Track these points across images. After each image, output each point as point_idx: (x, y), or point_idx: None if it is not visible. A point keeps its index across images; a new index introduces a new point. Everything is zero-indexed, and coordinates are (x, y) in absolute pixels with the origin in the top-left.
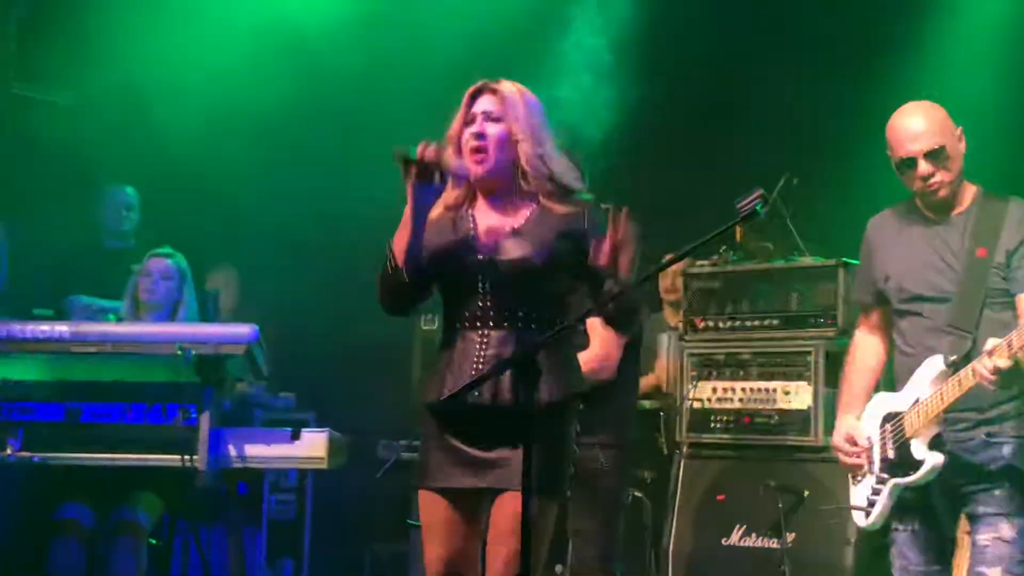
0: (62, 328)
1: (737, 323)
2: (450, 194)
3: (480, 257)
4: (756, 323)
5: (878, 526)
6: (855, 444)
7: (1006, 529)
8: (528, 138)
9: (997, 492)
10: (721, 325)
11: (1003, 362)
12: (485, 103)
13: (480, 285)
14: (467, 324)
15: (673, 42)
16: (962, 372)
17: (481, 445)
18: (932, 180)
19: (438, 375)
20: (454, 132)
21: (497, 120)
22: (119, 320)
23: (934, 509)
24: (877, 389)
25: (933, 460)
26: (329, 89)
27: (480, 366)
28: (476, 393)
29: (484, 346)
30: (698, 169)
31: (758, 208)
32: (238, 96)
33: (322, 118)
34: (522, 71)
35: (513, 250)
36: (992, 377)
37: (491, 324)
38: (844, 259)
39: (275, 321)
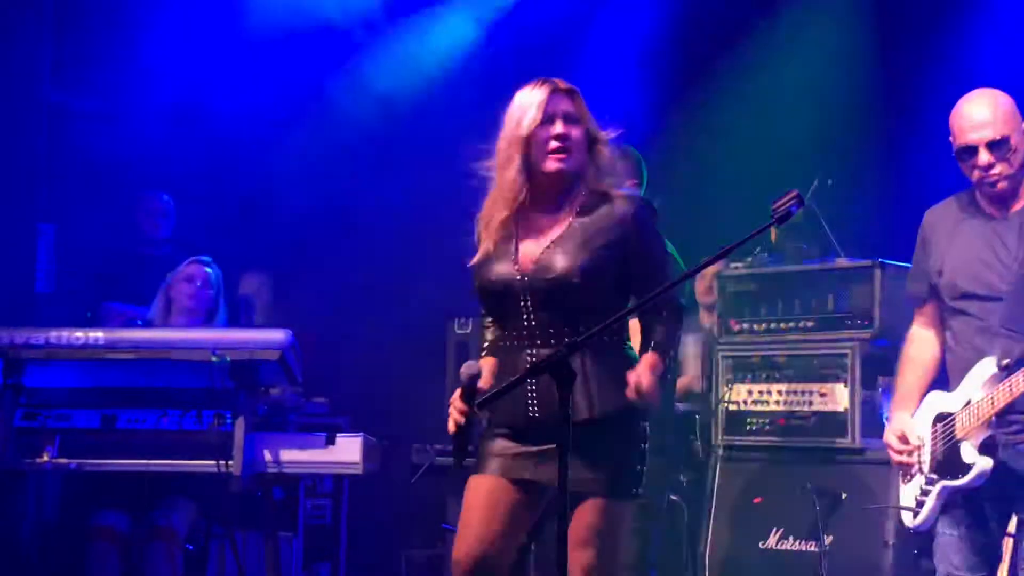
0: (97, 335)
1: (772, 325)
2: (499, 211)
3: (520, 276)
4: (791, 325)
5: (926, 527)
6: (907, 442)
7: None
8: (605, 140)
9: None
10: (756, 327)
11: None
12: (563, 104)
13: (523, 304)
14: (516, 343)
15: (705, 41)
16: (1014, 377)
17: (537, 448)
18: (992, 171)
19: (493, 382)
20: (527, 130)
21: (576, 121)
22: (147, 321)
23: (983, 513)
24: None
25: (982, 464)
26: (360, 96)
27: (529, 387)
28: (531, 412)
29: (531, 364)
30: (732, 170)
31: (793, 209)
32: (270, 103)
33: (357, 125)
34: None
35: (550, 265)
36: None
37: (539, 343)
38: (880, 260)
39: (308, 326)
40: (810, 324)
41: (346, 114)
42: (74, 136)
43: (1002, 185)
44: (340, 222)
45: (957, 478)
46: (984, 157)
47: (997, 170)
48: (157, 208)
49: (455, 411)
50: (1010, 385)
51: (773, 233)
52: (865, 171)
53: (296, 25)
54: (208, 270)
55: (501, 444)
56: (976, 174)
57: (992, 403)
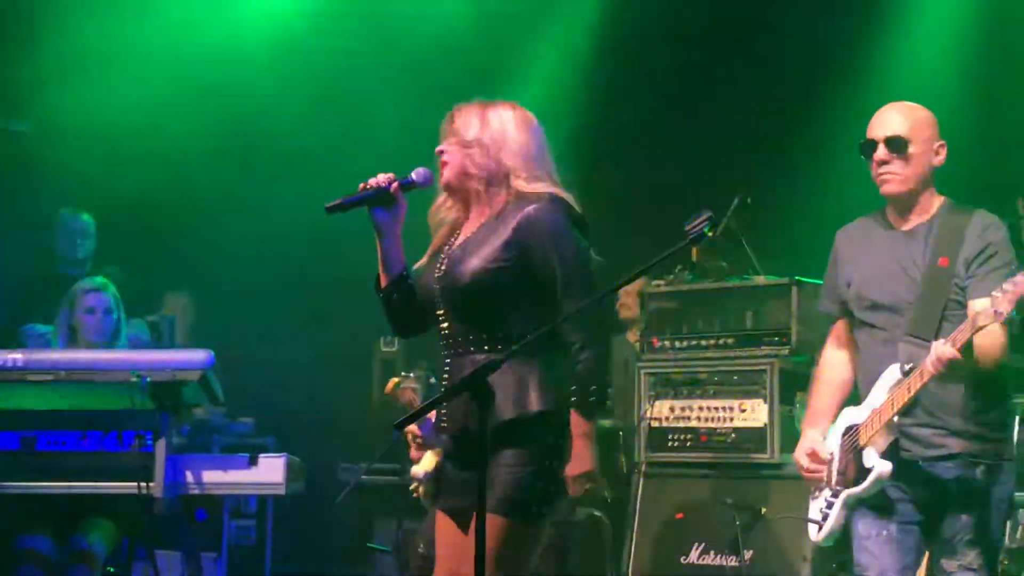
0: (16, 356)
1: (693, 342)
2: (447, 211)
3: (437, 284)
4: (712, 342)
5: (831, 541)
6: (817, 459)
7: (972, 556)
8: (478, 144)
9: (964, 517)
10: (677, 344)
11: (948, 351)
12: (451, 122)
13: (440, 308)
14: (443, 350)
15: (628, 60)
16: (911, 377)
17: (465, 467)
18: (885, 168)
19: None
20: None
21: (453, 135)
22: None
23: (913, 521)
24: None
25: (880, 468)
26: (280, 108)
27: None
28: (443, 423)
29: (448, 373)
30: (654, 187)
31: (706, 230)
32: (195, 121)
33: (276, 139)
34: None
35: (449, 271)
36: (938, 367)
37: (456, 349)
38: (797, 277)
39: (233, 346)
40: (730, 341)
41: (264, 128)
42: None
43: (892, 187)
44: (263, 240)
45: (858, 485)
46: (880, 152)
47: (891, 167)
48: (76, 228)
49: (382, 177)
50: (908, 385)
51: (695, 251)
52: (783, 190)
53: (222, 36)
54: (105, 294)
55: (444, 479)
56: (873, 170)
57: (892, 405)
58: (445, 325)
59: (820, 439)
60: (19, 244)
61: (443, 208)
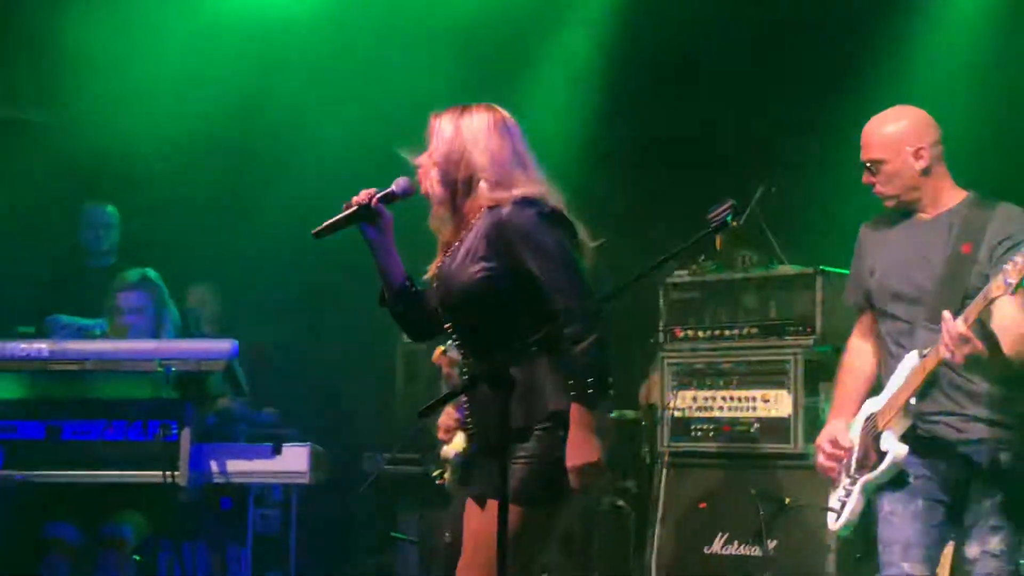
0: (42, 346)
1: (716, 332)
2: (438, 220)
3: (433, 295)
4: (735, 332)
5: (848, 530)
6: (838, 446)
7: (995, 542)
8: (444, 162)
9: (988, 503)
10: (700, 335)
11: (960, 326)
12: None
13: (443, 318)
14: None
15: (648, 50)
16: (926, 358)
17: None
18: (874, 189)
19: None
20: None
21: (426, 148)
22: (104, 335)
23: (939, 499)
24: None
25: (896, 451)
26: (311, 105)
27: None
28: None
29: (466, 374)
30: (676, 179)
31: (728, 219)
32: (216, 112)
33: (303, 133)
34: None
35: (440, 284)
36: (951, 345)
37: (465, 355)
38: (822, 267)
39: (258, 337)
40: (753, 331)
41: (291, 122)
42: (15, 147)
43: (888, 203)
44: (290, 231)
45: (875, 469)
46: (865, 175)
47: (877, 189)
48: (101, 220)
49: (363, 194)
50: (923, 365)
51: (718, 241)
52: (808, 178)
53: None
54: (139, 292)
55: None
56: None
57: (908, 387)
58: (453, 335)
59: (843, 428)
60: (44, 236)
61: (435, 217)
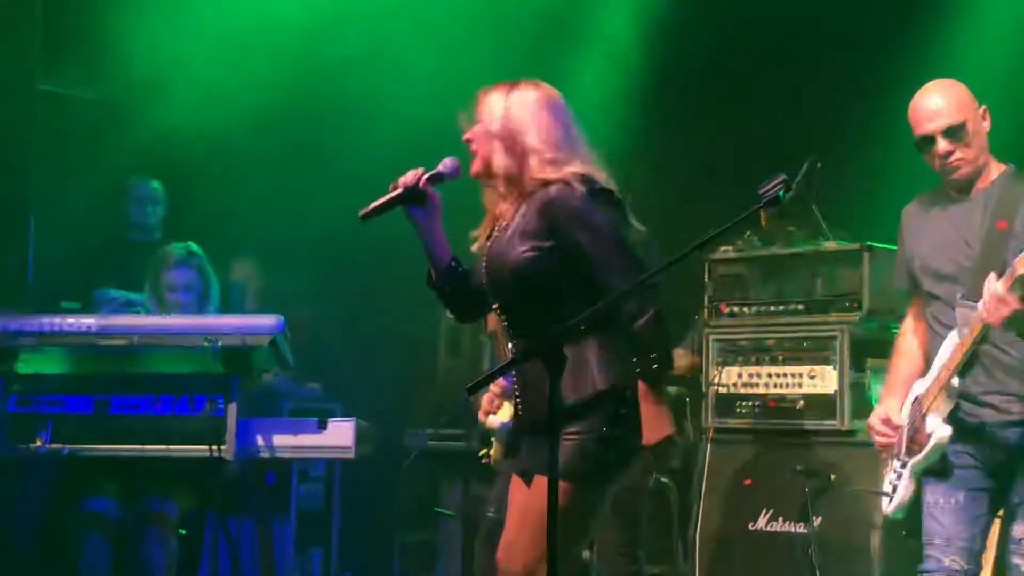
0: (89, 321)
1: (762, 308)
2: (494, 202)
3: (482, 274)
4: (781, 308)
5: (901, 513)
6: (890, 425)
7: None
8: (498, 135)
9: None
10: (746, 310)
11: (1000, 287)
12: (477, 109)
13: (492, 302)
14: (506, 339)
15: (694, 22)
16: (964, 336)
17: (536, 433)
18: (952, 158)
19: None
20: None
21: (479, 123)
22: (147, 311)
23: (982, 487)
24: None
25: (940, 433)
26: (351, 81)
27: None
28: (519, 411)
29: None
30: (722, 153)
31: (781, 194)
32: (263, 89)
33: (351, 111)
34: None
35: (489, 263)
36: (991, 308)
37: (512, 340)
38: (868, 243)
39: (302, 312)
40: (799, 307)
41: (336, 98)
42: (64, 124)
43: (965, 171)
44: (332, 206)
45: (921, 452)
46: (943, 145)
47: (957, 155)
48: (147, 195)
49: (410, 175)
50: (963, 342)
51: (763, 217)
52: (854, 153)
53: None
54: (188, 269)
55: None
56: (937, 163)
57: (949, 366)
58: (501, 315)
59: (896, 407)
60: (92, 211)
61: (490, 193)
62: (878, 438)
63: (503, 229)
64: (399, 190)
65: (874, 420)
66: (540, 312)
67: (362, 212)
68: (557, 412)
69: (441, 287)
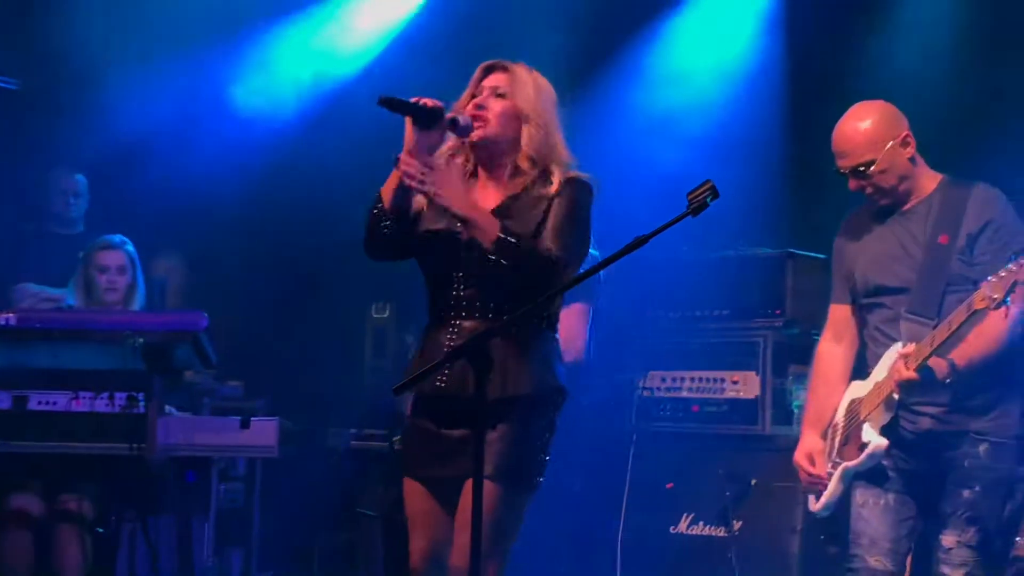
0: (8, 315)
1: (686, 313)
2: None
3: (457, 242)
4: (705, 313)
5: (828, 511)
6: (814, 463)
7: (971, 533)
8: (535, 119)
9: (966, 493)
10: (671, 314)
11: (905, 374)
12: (495, 80)
13: (455, 273)
14: (443, 313)
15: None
16: (909, 351)
17: (453, 434)
18: (867, 193)
19: (411, 364)
20: (459, 105)
21: (502, 96)
22: (71, 307)
23: (911, 492)
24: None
25: (875, 443)
26: (276, 78)
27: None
28: (440, 383)
29: (452, 339)
30: (646, 161)
31: (708, 200)
32: (185, 78)
33: (275, 100)
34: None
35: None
36: (898, 382)
37: (463, 315)
38: (791, 250)
39: (224, 308)
40: (724, 313)
41: (261, 92)
42: None
43: (884, 201)
44: (257, 203)
45: (855, 458)
46: (852, 183)
47: (870, 192)
48: (70, 187)
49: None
50: (904, 359)
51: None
52: (778, 162)
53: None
54: (122, 252)
55: (419, 445)
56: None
57: (890, 381)
58: (457, 291)
59: (819, 443)
60: (9, 204)
61: (446, 155)
62: (804, 476)
63: (500, 207)
64: (426, 103)
65: (799, 457)
66: (499, 294)
67: (383, 97)
68: (484, 410)
69: (386, 218)
